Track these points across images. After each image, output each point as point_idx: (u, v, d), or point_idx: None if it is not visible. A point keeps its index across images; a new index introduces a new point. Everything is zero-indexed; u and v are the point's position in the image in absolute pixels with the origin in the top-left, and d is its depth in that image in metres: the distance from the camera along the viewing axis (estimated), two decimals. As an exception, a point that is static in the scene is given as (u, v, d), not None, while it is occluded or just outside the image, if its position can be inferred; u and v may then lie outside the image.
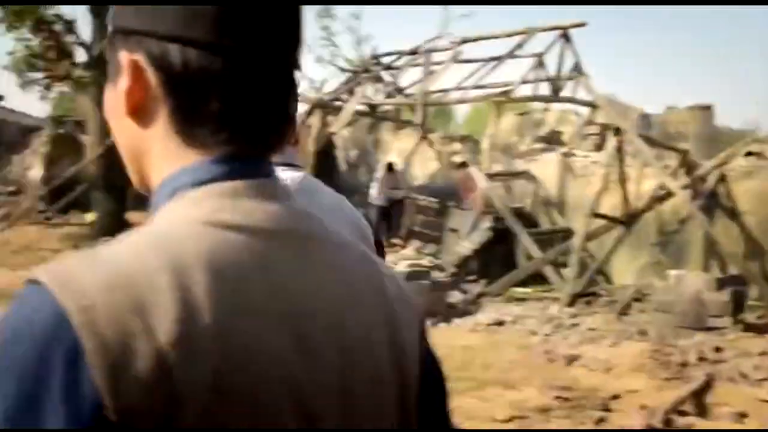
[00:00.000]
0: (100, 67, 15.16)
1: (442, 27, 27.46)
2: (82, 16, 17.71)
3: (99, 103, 15.77)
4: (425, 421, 0.98)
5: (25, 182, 22.80)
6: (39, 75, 14.93)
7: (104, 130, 16.08)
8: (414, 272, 10.11)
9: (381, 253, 2.06)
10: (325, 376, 0.85)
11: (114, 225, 16.06)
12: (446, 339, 8.76)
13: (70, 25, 14.95)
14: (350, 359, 0.87)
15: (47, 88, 15.38)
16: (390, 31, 73.43)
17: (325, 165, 15.67)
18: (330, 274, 0.89)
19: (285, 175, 1.86)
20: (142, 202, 20.39)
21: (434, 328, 9.46)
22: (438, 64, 15.34)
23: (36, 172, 22.02)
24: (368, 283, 0.94)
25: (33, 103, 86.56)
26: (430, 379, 1.00)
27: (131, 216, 17.81)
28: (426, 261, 11.75)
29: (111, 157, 16.42)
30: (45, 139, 22.57)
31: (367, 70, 16.67)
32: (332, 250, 0.92)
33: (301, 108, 16.84)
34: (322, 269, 0.89)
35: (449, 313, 10.04)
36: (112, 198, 16.39)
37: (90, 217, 17.70)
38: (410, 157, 17.76)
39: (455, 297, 10.66)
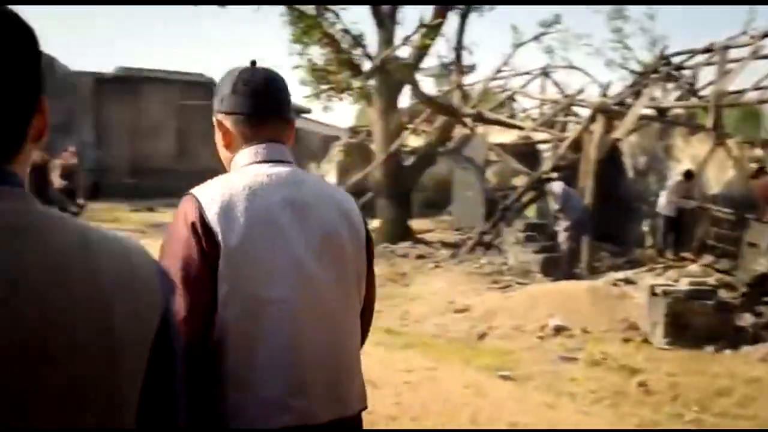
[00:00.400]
0: (381, 77, 15.61)
1: (746, 24, 25.08)
2: (369, 28, 18.45)
3: (383, 111, 16.41)
4: (151, 411, 1.17)
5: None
6: (324, 87, 15.65)
7: (388, 139, 16.52)
8: (695, 291, 9.17)
9: (370, 245, 2.16)
10: (21, 338, 1.02)
11: (397, 231, 16.46)
12: (729, 368, 7.84)
13: (357, 39, 15.51)
14: (50, 326, 1.04)
15: (329, 99, 16.08)
16: (687, 31, 68.94)
17: (610, 172, 14.87)
18: (38, 259, 1.07)
19: (273, 170, 2.01)
20: (429, 208, 20.88)
21: (718, 354, 8.51)
22: (736, 61, 14.01)
23: (330, 179, 23.28)
24: (79, 269, 1.10)
25: (340, 115, 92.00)
26: (161, 363, 1.18)
27: (415, 223, 18.18)
28: (713, 279, 10.66)
29: (395, 165, 16.85)
30: (340, 149, 23.82)
31: (655, 71, 15.64)
32: (46, 240, 1.09)
33: (584, 112, 16.26)
34: (31, 255, 1.06)
35: (737, 338, 8.97)
36: (396, 204, 16.76)
37: (375, 223, 18.31)
38: (704, 164, 16.40)
39: (746, 320, 9.54)
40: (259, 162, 2.04)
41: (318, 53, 15.38)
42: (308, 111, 33.76)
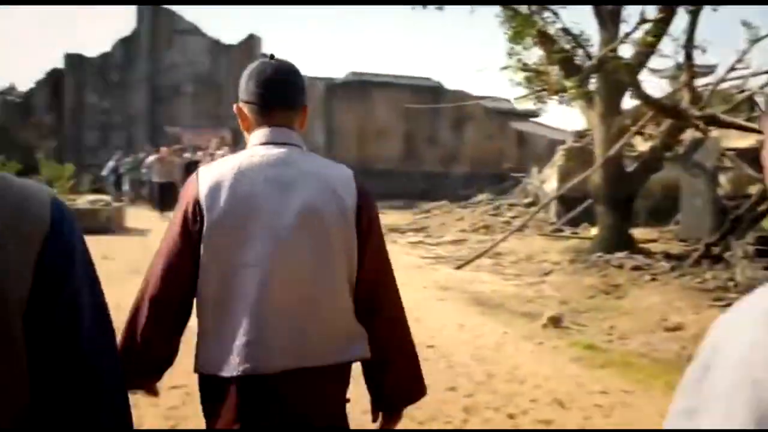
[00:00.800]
0: (602, 78, 14.87)
1: None
2: (593, 27, 17.58)
3: (604, 114, 15.63)
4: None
5: (540, 194, 23.66)
6: (537, 88, 15.19)
7: (609, 142, 15.73)
8: None
9: (362, 218, 2.33)
10: None
11: (616, 240, 15.63)
12: None
13: (577, 39, 14.93)
14: None
15: (542, 101, 15.58)
16: None
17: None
18: None
19: (267, 152, 2.29)
20: (656, 216, 19.73)
21: None
22: None
23: (551, 184, 22.66)
24: None
25: (570, 118, 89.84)
26: (46, 283, 1.28)
27: (639, 232, 17.21)
28: None
29: (616, 170, 16.01)
30: (562, 153, 23.14)
31: None
32: None
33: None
34: None
35: None
36: (615, 211, 15.91)
37: (593, 231, 17.54)
38: None
39: None
40: (260, 144, 2.33)
41: (535, 53, 14.97)
42: (536, 115, 33.30)
